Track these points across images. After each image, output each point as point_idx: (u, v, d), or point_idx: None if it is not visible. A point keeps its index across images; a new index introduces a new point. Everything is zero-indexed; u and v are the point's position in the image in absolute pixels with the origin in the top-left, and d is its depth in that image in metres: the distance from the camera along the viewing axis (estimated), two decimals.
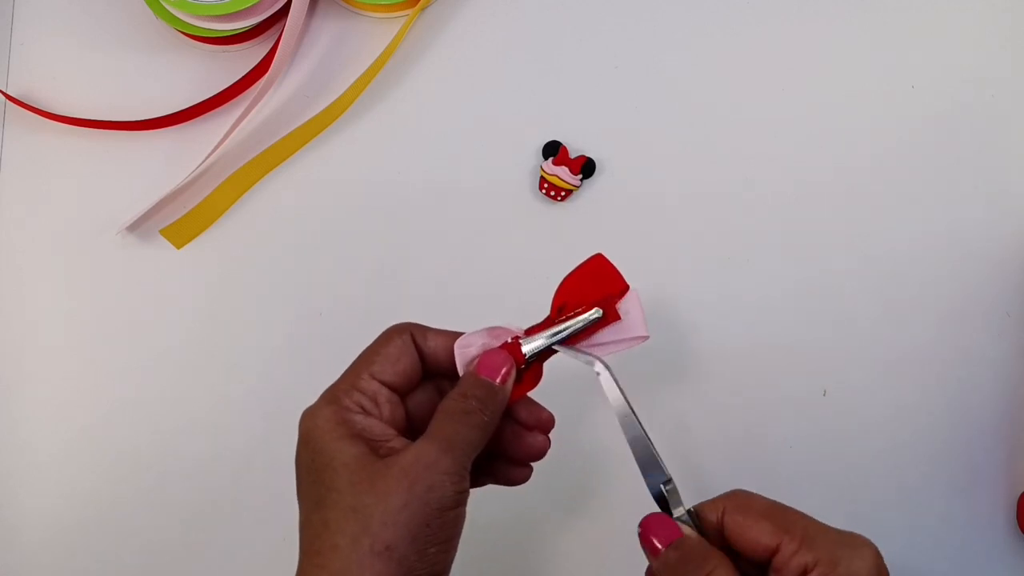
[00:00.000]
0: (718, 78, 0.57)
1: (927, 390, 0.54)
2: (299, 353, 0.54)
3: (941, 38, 0.58)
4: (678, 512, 0.35)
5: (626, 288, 0.37)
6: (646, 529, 0.34)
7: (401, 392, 0.36)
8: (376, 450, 0.33)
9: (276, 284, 0.55)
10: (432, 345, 0.37)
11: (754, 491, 0.35)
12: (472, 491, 0.34)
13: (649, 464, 0.35)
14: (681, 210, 0.55)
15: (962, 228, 0.56)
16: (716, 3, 0.58)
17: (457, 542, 0.34)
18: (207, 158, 0.55)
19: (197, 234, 0.55)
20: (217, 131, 0.55)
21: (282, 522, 0.52)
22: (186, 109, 0.55)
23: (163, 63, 0.57)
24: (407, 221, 0.56)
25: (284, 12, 0.55)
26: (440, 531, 0.32)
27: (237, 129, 0.55)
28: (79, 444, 0.53)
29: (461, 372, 0.36)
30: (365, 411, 0.35)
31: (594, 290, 0.37)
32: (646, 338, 0.37)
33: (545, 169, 0.55)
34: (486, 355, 0.36)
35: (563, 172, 0.54)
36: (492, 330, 0.37)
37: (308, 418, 0.35)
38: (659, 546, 0.34)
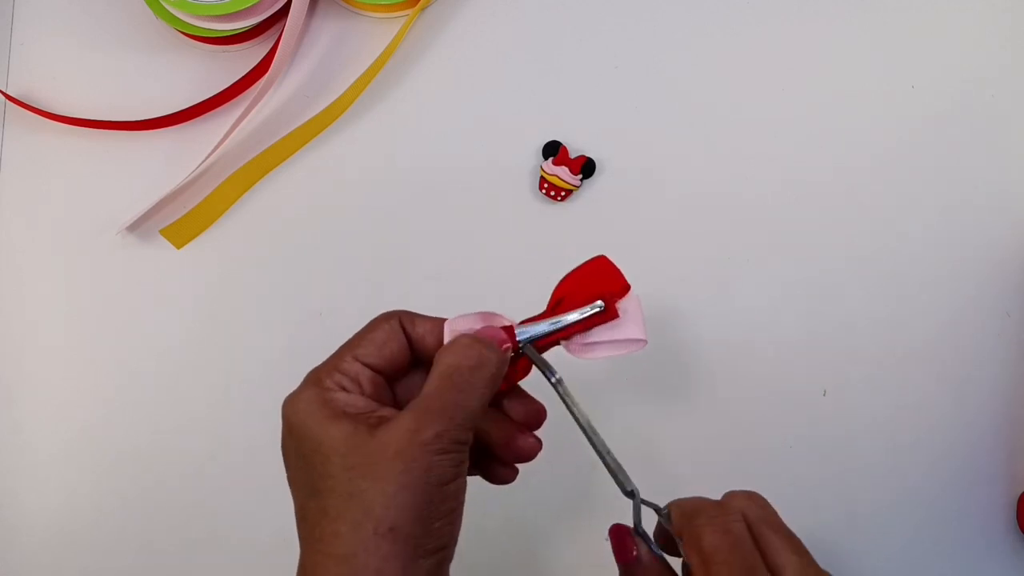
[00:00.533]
0: (718, 78, 0.57)
1: (927, 390, 0.54)
2: (299, 353, 0.54)
3: (941, 38, 0.58)
4: (647, 517, 0.35)
5: (627, 288, 0.36)
6: (612, 538, 0.35)
7: (388, 376, 0.36)
8: (364, 422, 0.32)
9: (276, 284, 0.55)
10: (420, 331, 0.36)
11: (755, 491, 0.34)
12: (474, 486, 0.34)
13: (615, 476, 0.35)
14: (681, 210, 0.55)
15: (962, 228, 0.56)
16: (716, 3, 0.58)
17: (462, 510, 0.33)
18: (207, 158, 0.55)
19: (197, 234, 0.55)
20: (217, 131, 0.55)
21: (282, 522, 0.52)
22: (186, 109, 0.55)
23: (163, 63, 0.57)
24: (407, 221, 0.56)
25: (284, 12, 0.55)
26: (443, 504, 0.32)
27: (237, 129, 0.55)
28: (79, 444, 0.53)
29: None
30: (346, 390, 0.34)
31: (594, 288, 0.36)
32: (644, 343, 0.36)
33: (545, 169, 0.55)
34: (485, 328, 0.35)
35: (563, 172, 0.54)
36: (484, 314, 0.36)
37: (289, 404, 0.34)
38: (624, 556, 0.34)
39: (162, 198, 0.54)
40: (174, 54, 0.57)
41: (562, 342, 0.36)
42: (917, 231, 0.56)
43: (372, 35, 0.57)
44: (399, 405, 0.35)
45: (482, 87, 0.57)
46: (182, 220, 0.54)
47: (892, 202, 0.56)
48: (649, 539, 0.34)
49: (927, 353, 0.54)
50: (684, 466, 0.53)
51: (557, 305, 0.36)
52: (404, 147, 0.56)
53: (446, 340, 0.35)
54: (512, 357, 0.36)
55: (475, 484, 0.35)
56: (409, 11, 0.57)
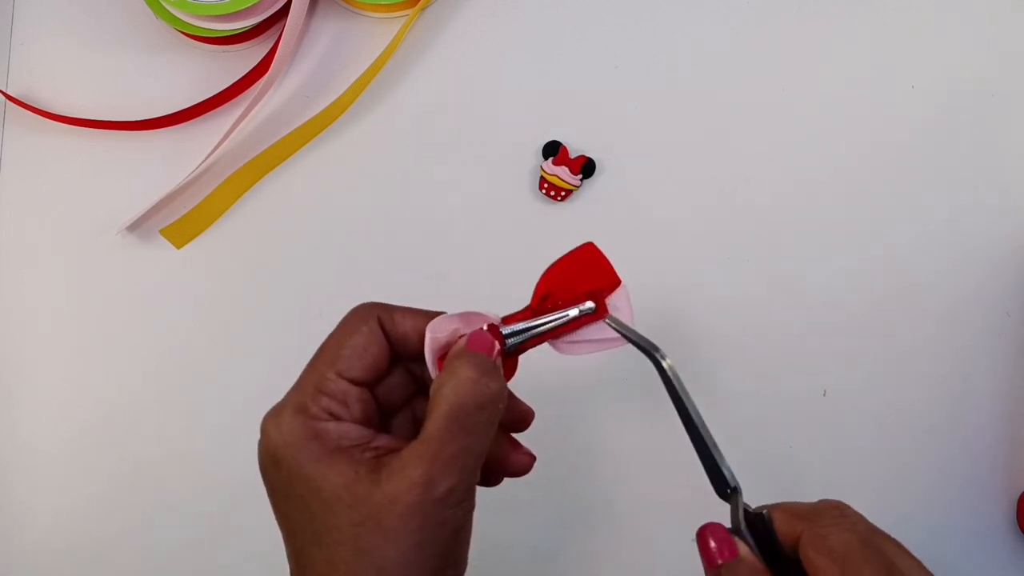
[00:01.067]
0: (718, 78, 0.57)
1: (927, 390, 0.54)
2: (299, 353, 0.54)
3: (941, 38, 0.58)
4: (744, 514, 0.33)
5: (617, 282, 0.35)
6: (703, 538, 0.32)
7: (370, 385, 0.33)
8: (360, 458, 0.30)
9: (276, 284, 0.55)
10: (401, 330, 0.33)
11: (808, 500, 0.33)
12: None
13: (713, 469, 0.33)
14: (681, 210, 0.55)
15: (962, 228, 0.56)
16: (716, 3, 0.58)
17: (468, 549, 0.32)
18: (207, 158, 0.55)
19: (197, 234, 0.55)
20: (217, 131, 0.55)
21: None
22: (186, 109, 0.55)
23: (163, 63, 0.57)
24: (407, 221, 0.56)
25: (284, 12, 0.55)
26: (455, 551, 0.31)
27: (237, 129, 0.55)
28: (79, 444, 0.53)
29: (429, 361, 0.33)
30: (335, 416, 0.31)
31: (582, 282, 0.34)
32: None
33: (545, 169, 0.55)
34: (472, 335, 0.33)
35: (563, 172, 0.54)
36: (465, 315, 0.34)
37: (273, 429, 0.31)
38: (715, 559, 0.31)
39: (162, 198, 0.54)
40: (174, 54, 0.57)
41: (549, 341, 0.35)
42: (917, 231, 0.56)
43: (372, 35, 0.57)
44: (383, 409, 0.34)
45: (482, 87, 0.57)
46: (182, 220, 0.54)
47: (892, 202, 0.56)
48: (750, 539, 0.32)
49: (927, 353, 0.54)
50: (682, 467, 0.53)
51: (543, 300, 0.35)
52: (404, 147, 0.56)
53: (427, 347, 0.33)
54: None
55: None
56: (409, 11, 0.57)
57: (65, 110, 0.56)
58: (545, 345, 0.35)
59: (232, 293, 0.55)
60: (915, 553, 0.32)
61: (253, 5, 0.53)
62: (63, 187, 0.56)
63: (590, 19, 0.58)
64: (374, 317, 0.33)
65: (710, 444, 0.33)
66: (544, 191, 0.55)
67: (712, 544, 0.32)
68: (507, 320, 0.34)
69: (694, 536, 0.34)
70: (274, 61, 0.54)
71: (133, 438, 0.54)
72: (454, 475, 0.29)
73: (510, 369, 0.35)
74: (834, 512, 0.31)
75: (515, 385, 0.35)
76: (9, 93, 0.56)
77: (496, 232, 0.55)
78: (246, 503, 0.53)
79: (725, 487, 0.33)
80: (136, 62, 0.57)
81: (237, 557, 0.53)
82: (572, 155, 0.55)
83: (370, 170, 0.56)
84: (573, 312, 0.34)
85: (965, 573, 0.53)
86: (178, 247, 0.55)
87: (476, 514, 0.32)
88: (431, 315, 0.34)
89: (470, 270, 0.55)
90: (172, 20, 0.55)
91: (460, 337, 0.33)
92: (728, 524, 0.33)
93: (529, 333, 0.34)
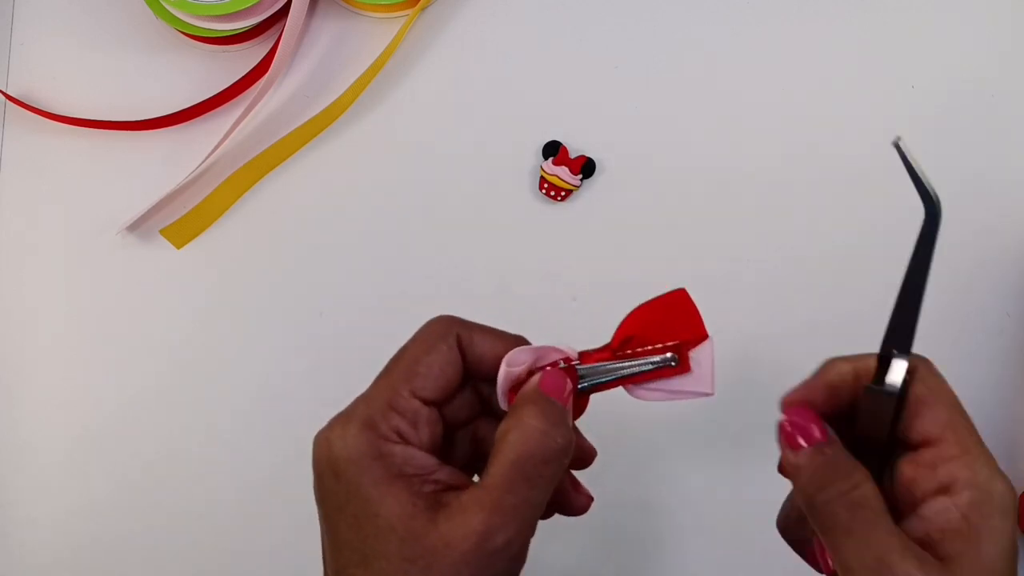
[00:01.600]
0: (718, 78, 0.57)
1: None
2: (300, 353, 0.54)
3: (941, 38, 0.58)
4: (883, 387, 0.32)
5: (704, 336, 0.33)
6: (792, 422, 0.31)
7: (440, 404, 0.33)
8: (419, 489, 0.30)
9: (276, 284, 0.55)
10: (479, 351, 0.33)
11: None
12: None
13: (907, 324, 0.32)
14: (681, 210, 0.55)
15: (962, 228, 0.56)
16: (716, 3, 0.58)
17: None
18: (207, 158, 0.55)
19: (197, 234, 0.55)
20: (217, 131, 0.55)
21: (280, 521, 0.52)
22: (186, 109, 0.55)
23: (163, 63, 0.57)
24: (407, 221, 0.56)
25: (284, 12, 0.55)
26: None
27: (237, 129, 0.55)
28: (79, 444, 0.53)
29: (501, 393, 0.33)
30: (404, 439, 0.31)
31: (668, 330, 0.33)
32: (709, 395, 0.33)
33: (545, 169, 0.55)
34: (548, 376, 0.32)
35: (563, 172, 0.54)
36: (543, 349, 0.33)
37: (339, 440, 0.30)
38: (801, 443, 0.31)
39: (162, 198, 0.54)
40: (174, 54, 0.57)
41: (624, 385, 0.34)
42: (916, 230, 0.56)
43: (372, 35, 0.57)
44: (448, 425, 0.33)
45: (482, 87, 0.57)
46: (182, 220, 0.54)
47: (892, 202, 0.56)
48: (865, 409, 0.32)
49: (927, 353, 0.54)
50: (682, 467, 0.53)
51: (625, 343, 0.33)
52: (404, 147, 0.56)
53: (501, 379, 0.32)
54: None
55: None
56: (409, 11, 0.57)
57: (65, 110, 0.56)
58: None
59: (232, 293, 0.55)
60: None
61: (253, 5, 0.53)
62: (63, 187, 0.56)
63: (590, 19, 0.58)
64: (453, 335, 0.32)
65: (920, 300, 0.32)
66: (544, 191, 0.55)
67: (802, 427, 0.31)
68: (585, 357, 0.33)
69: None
70: (274, 61, 0.54)
71: (133, 438, 0.54)
72: (513, 527, 0.29)
73: (580, 407, 0.34)
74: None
75: (581, 420, 0.35)
76: (9, 93, 0.56)
77: (496, 232, 0.55)
78: (247, 503, 0.53)
79: (906, 345, 0.32)
80: (136, 62, 0.57)
81: (238, 557, 0.53)
82: (572, 155, 0.55)
83: (370, 170, 0.56)
84: (656, 359, 0.33)
85: None
86: (178, 247, 0.55)
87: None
88: (509, 339, 0.33)
89: (470, 269, 0.55)
90: (172, 20, 0.55)
91: (534, 373, 0.32)
92: None
93: (606, 376, 0.33)
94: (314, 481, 0.31)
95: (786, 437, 0.31)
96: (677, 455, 0.53)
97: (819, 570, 0.34)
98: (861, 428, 0.32)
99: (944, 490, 0.30)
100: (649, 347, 0.33)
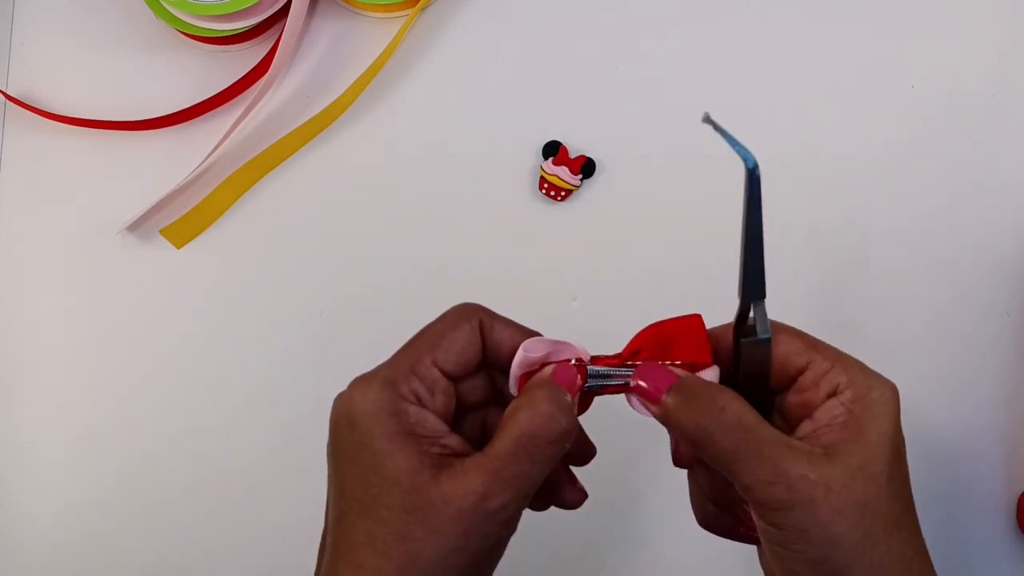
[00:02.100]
0: (718, 78, 0.57)
1: (926, 390, 0.54)
2: (300, 353, 0.54)
3: (941, 38, 0.58)
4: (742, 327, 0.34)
5: (709, 362, 0.35)
6: (642, 379, 0.33)
7: (457, 380, 0.34)
8: (428, 450, 0.31)
9: (276, 284, 0.55)
10: (498, 338, 0.35)
11: None
12: None
13: (756, 273, 0.33)
14: (681, 210, 0.55)
15: (962, 228, 0.56)
16: (716, 3, 0.58)
17: (497, 563, 0.33)
18: (207, 158, 0.55)
19: (197, 234, 0.55)
20: (217, 131, 0.55)
21: (283, 523, 0.52)
22: (186, 109, 0.55)
23: (163, 63, 0.57)
24: (407, 221, 0.56)
25: (284, 12, 0.55)
26: (488, 565, 0.32)
27: (237, 129, 0.55)
28: (79, 444, 0.53)
29: (513, 375, 0.34)
30: (420, 401, 0.33)
31: (676, 351, 0.34)
32: None
33: (545, 169, 0.55)
34: (561, 368, 0.34)
35: (563, 172, 0.54)
36: (559, 344, 0.34)
37: (357, 395, 0.32)
38: (660, 395, 0.33)
39: (162, 198, 0.54)
40: (174, 54, 0.57)
41: (626, 393, 0.35)
42: (916, 231, 0.56)
43: (372, 35, 0.57)
44: (460, 404, 0.35)
45: (482, 87, 0.57)
46: (182, 220, 0.54)
47: (891, 202, 0.56)
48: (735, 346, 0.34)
49: (926, 353, 0.54)
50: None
51: (634, 355, 0.35)
52: (404, 147, 0.56)
53: (516, 362, 0.34)
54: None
55: None
56: (409, 11, 0.57)
57: (65, 110, 0.56)
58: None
59: (232, 293, 0.55)
60: None
61: (253, 5, 0.53)
62: (63, 187, 0.56)
63: (590, 19, 0.58)
64: (476, 319, 0.34)
65: (761, 250, 0.33)
66: (544, 191, 0.55)
67: (653, 379, 0.33)
68: (595, 360, 0.35)
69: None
70: (274, 61, 0.54)
71: (133, 438, 0.53)
72: (509, 494, 0.30)
73: (584, 406, 0.35)
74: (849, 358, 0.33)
75: (582, 419, 0.36)
76: (9, 93, 0.56)
77: (496, 232, 0.55)
78: (247, 503, 0.53)
79: (760, 293, 0.33)
80: (136, 62, 0.57)
81: (238, 557, 0.53)
82: (572, 155, 0.55)
83: (370, 170, 0.56)
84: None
85: (965, 573, 0.53)
86: (178, 247, 0.55)
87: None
88: (528, 332, 0.35)
89: (470, 269, 0.55)
90: (172, 20, 0.55)
91: (548, 364, 0.34)
92: None
93: (611, 380, 0.35)
94: (328, 439, 0.33)
95: (645, 395, 0.33)
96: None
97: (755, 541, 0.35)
98: (746, 381, 0.34)
99: (831, 395, 0.32)
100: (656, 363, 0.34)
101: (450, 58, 0.57)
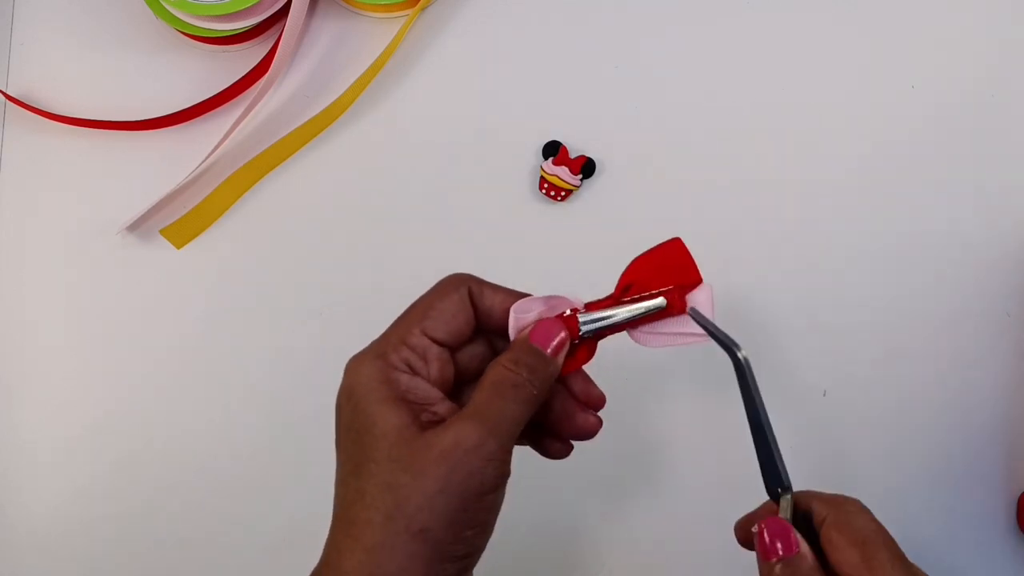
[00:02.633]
0: (718, 78, 0.57)
1: (927, 390, 0.54)
2: (300, 352, 0.54)
3: (941, 38, 0.58)
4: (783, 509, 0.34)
5: (699, 280, 0.35)
6: (767, 533, 0.33)
7: (452, 348, 0.35)
8: (419, 415, 0.33)
9: (276, 283, 0.55)
10: (488, 303, 0.36)
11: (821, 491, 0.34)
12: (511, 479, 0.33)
13: (769, 464, 0.33)
14: (681, 210, 0.55)
15: (962, 228, 0.56)
16: (716, 3, 0.58)
17: (494, 523, 0.33)
18: (207, 158, 0.55)
19: (197, 234, 0.55)
20: (217, 131, 0.55)
21: (284, 523, 0.52)
22: (186, 109, 0.55)
23: (163, 63, 0.57)
24: (407, 221, 0.56)
25: (284, 12, 0.55)
26: (478, 514, 0.32)
27: (237, 129, 0.55)
28: (79, 444, 0.53)
29: (512, 337, 0.35)
30: (412, 369, 0.34)
31: (665, 276, 0.35)
32: (703, 338, 0.35)
33: (545, 169, 0.55)
34: (540, 324, 0.34)
35: (563, 172, 0.54)
36: (551, 299, 0.35)
37: (352, 370, 0.34)
38: (773, 553, 0.32)
39: (162, 198, 0.54)
40: (174, 54, 0.57)
41: (627, 330, 0.36)
42: (917, 231, 0.56)
43: (372, 35, 0.57)
44: (460, 375, 0.36)
45: (482, 87, 0.57)
46: (182, 220, 0.54)
47: (892, 202, 0.56)
48: (800, 537, 0.33)
49: (927, 353, 0.54)
50: (683, 467, 0.53)
51: (625, 291, 0.35)
52: (404, 147, 0.56)
53: (510, 325, 0.35)
54: (573, 345, 0.35)
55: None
56: (409, 11, 0.57)
57: (65, 110, 0.56)
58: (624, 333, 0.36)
59: (232, 293, 0.55)
60: (914, 554, 0.32)
61: (253, 5, 0.53)
62: (63, 187, 0.56)
63: (590, 19, 0.58)
64: (465, 287, 0.36)
65: (772, 440, 0.33)
66: (544, 191, 0.55)
67: (767, 538, 0.33)
68: (590, 306, 0.35)
69: (733, 526, 0.35)
70: (274, 61, 0.54)
71: (134, 438, 0.54)
72: (485, 429, 0.32)
73: (588, 353, 0.36)
74: (856, 504, 0.33)
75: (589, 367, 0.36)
76: (9, 93, 0.56)
77: (496, 232, 0.55)
78: (248, 503, 0.53)
79: (779, 484, 0.33)
80: (136, 62, 0.57)
81: (238, 556, 0.53)
82: (572, 155, 0.55)
83: (370, 170, 0.56)
84: (647, 304, 0.35)
85: (965, 573, 0.53)
86: (178, 247, 0.55)
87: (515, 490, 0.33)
88: (517, 295, 0.36)
89: (470, 269, 0.55)
90: (172, 20, 0.55)
91: (535, 321, 0.35)
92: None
93: (608, 321, 0.35)
94: (335, 413, 0.34)
95: (762, 545, 0.33)
96: (674, 396, 0.53)
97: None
98: None
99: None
100: (647, 293, 0.35)
101: (450, 58, 0.57)
